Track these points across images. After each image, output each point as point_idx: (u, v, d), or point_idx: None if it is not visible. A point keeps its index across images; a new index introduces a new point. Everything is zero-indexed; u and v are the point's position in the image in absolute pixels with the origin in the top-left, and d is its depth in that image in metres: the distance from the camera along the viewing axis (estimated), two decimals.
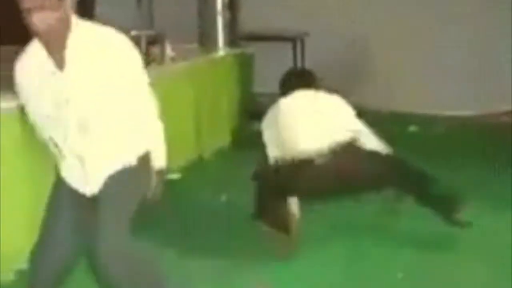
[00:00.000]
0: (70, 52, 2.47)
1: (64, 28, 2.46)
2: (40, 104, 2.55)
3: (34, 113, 2.61)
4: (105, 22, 6.32)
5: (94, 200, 2.62)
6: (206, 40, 6.25)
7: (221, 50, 6.23)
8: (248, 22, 6.52)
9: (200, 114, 5.39)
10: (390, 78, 7.11)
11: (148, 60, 4.89)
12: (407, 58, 7.26)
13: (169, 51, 5.38)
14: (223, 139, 5.77)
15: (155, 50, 5.26)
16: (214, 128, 5.59)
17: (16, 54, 2.63)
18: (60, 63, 2.48)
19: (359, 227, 4.05)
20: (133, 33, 4.72)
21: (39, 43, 2.49)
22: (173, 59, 5.36)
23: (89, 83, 2.51)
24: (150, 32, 5.61)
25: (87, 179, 2.61)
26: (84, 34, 2.51)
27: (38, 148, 2.81)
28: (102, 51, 2.50)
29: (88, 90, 2.51)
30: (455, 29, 7.07)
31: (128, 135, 2.60)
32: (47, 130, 2.60)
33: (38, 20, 2.39)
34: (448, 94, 7.11)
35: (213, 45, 6.21)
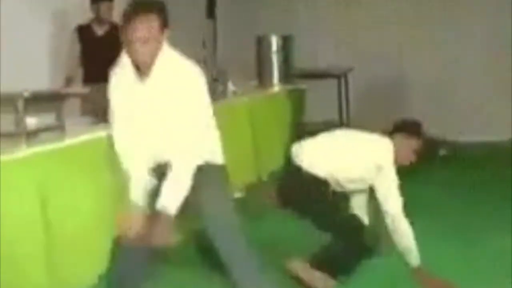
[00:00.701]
0: (156, 70, 2.63)
1: (158, 54, 2.63)
2: (124, 107, 2.71)
3: (119, 116, 2.73)
4: None
5: None
6: (263, 77, 6.33)
7: (276, 86, 6.28)
8: (300, 61, 6.61)
9: (258, 141, 5.46)
10: (422, 107, 7.22)
11: (213, 95, 5.14)
12: (440, 89, 7.35)
13: (231, 86, 5.50)
14: (278, 162, 5.82)
15: (219, 85, 5.37)
16: (270, 153, 5.62)
17: None
18: (144, 76, 2.65)
19: None
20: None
21: (127, 59, 2.64)
22: (234, 93, 5.48)
23: (163, 98, 2.63)
24: (215, 70, 5.73)
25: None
26: (169, 59, 2.67)
27: None
28: (179, 76, 2.64)
29: (162, 104, 2.64)
30: (487, 57, 7.14)
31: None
32: (127, 134, 2.73)
33: (142, 50, 2.55)
34: (480, 120, 7.15)
35: (269, 82, 6.28)
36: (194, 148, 2.69)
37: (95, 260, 3.47)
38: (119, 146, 2.82)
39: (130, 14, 2.55)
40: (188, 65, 2.71)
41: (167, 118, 2.65)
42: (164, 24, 2.62)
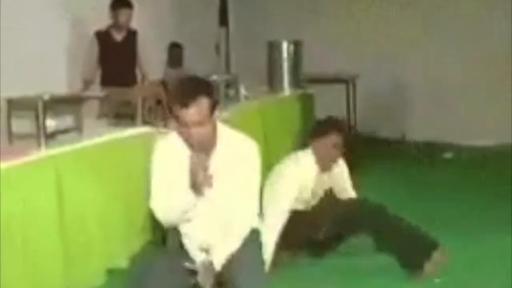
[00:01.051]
0: (216, 155, 2.53)
1: (212, 134, 2.51)
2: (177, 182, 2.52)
3: (169, 184, 2.54)
4: (190, 68, 6.72)
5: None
6: (273, 82, 6.32)
7: (286, 90, 6.28)
8: (309, 66, 6.59)
9: (268, 143, 5.40)
10: (427, 112, 7.18)
11: (226, 99, 5.09)
12: (443, 94, 7.34)
13: (243, 91, 5.50)
14: None
15: (231, 90, 5.34)
16: (280, 154, 5.65)
17: None
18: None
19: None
20: (213, 77, 4.84)
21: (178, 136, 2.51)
22: (246, 98, 5.48)
23: (223, 180, 2.50)
24: (227, 76, 5.75)
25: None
26: (227, 140, 2.56)
27: None
28: (237, 156, 2.54)
29: (221, 185, 2.50)
30: (489, 65, 7.10)
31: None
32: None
33: (196, 133, 2.43)
34: (483, 124, 7.13)
35: (280, 86, 6.27)
36: (253, 212, 2.64)
37: (106, 256, 3.50)
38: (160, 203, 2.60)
39: (181, 98, 2.44)
40: (247, 141, 2.66)
41: (225, 193, 2.54)
42: (214, 104, 2.50)
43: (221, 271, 2.49)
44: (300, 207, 3.65)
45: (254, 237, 2.60)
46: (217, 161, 2.53)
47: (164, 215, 2.59)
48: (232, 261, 2.49)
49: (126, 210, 3.69)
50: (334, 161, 3.70)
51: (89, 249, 3.37)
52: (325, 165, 3.67)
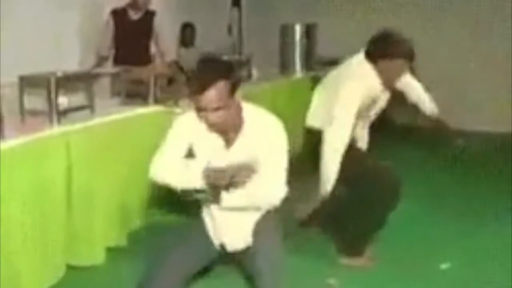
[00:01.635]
0: (242, 137, 2.47)
1: (235, 116, 2.44)
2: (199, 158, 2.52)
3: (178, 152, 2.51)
4: (203, 47, 6.65)
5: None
6: (286, 64, 6.32)
7: (298, 73, 6.28)
8: (322, 48, 6.58)
9: None
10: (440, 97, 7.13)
11: None
12: (457, 80, 7.28)
13: (255, 72, 5.51)
14: (299, 145, 5.87)
15: (243, 71, 5.36)
16: (291, 136, 5.70)
17: None
18: (229, 143, 2.49)
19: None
20: (225, 57, 4.73)
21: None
22: (258, 79, 5.47)
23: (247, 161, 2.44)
24: (239, 57, 5.75)
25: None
26: (252, 122, 2.48)
27: None
28: (263, 138, 2.46)
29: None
30: (503, 48, 7.02)
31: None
32: None
33: (214, 117, 2.36)
34: (496, 111, 7.07)
35: (292, 69, 6.27)
36: (280, 189, 2.51)
37: (108, 235, 3.53)
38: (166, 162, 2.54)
39: (197, 82, 2.36)
40: (272, 121, 2.56)
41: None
42: (234, 85, 2.40)
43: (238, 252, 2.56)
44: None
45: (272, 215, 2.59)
46: (244, 143, 2.48)
47: (163, 175, 2.52)
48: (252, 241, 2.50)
49: (134, 189, 3.72)
50: (397, 81, 3.49)
51: (93, 226, 3.40)
52: (389, 84, 3.46)
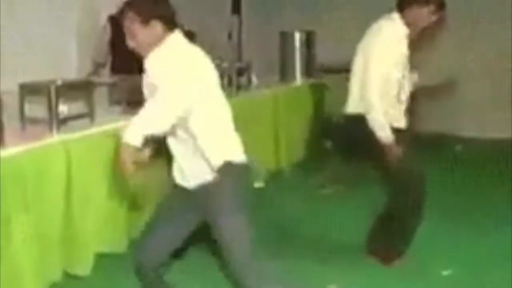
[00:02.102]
0: (149, 62, 2.74)
1: (147, 46, 2.74)
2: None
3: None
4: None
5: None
6: (286, 71, 6.31)
7: (298, 80, 6.27)
8: (322, 56, 6.59)
9: (279, 133, 5.48)
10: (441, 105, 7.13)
11: (238, 87, 5.08)
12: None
13: (254, 79, 5.49)
14: (299, 153, 5.85)
15: (243, 78, 5.34)
16: (291, 144, 5.64)
17: None
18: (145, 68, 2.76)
19: None
20: (225, 65, 4.85)
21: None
22: (257, 87, 5.47)
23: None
24: (239, 64, 5.70)
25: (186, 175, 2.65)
26: (158, 52, 2.68)
27: None
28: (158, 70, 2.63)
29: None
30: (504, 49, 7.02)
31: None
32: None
33: (129, 42, 2.82)
34: (494, 118, 7.07)
35: (292, 76, 6.26)
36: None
37: (107, 242, 3.53)
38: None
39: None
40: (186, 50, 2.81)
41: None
42: (147, 17, 2.67)
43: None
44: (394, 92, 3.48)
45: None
46: (151, 67, 2.75)
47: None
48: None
49: (134, 197, 3.69)
50: (422, 30, 3.49)
51: (92, 233, 3.40)
52: (415, 31, 3.47)
